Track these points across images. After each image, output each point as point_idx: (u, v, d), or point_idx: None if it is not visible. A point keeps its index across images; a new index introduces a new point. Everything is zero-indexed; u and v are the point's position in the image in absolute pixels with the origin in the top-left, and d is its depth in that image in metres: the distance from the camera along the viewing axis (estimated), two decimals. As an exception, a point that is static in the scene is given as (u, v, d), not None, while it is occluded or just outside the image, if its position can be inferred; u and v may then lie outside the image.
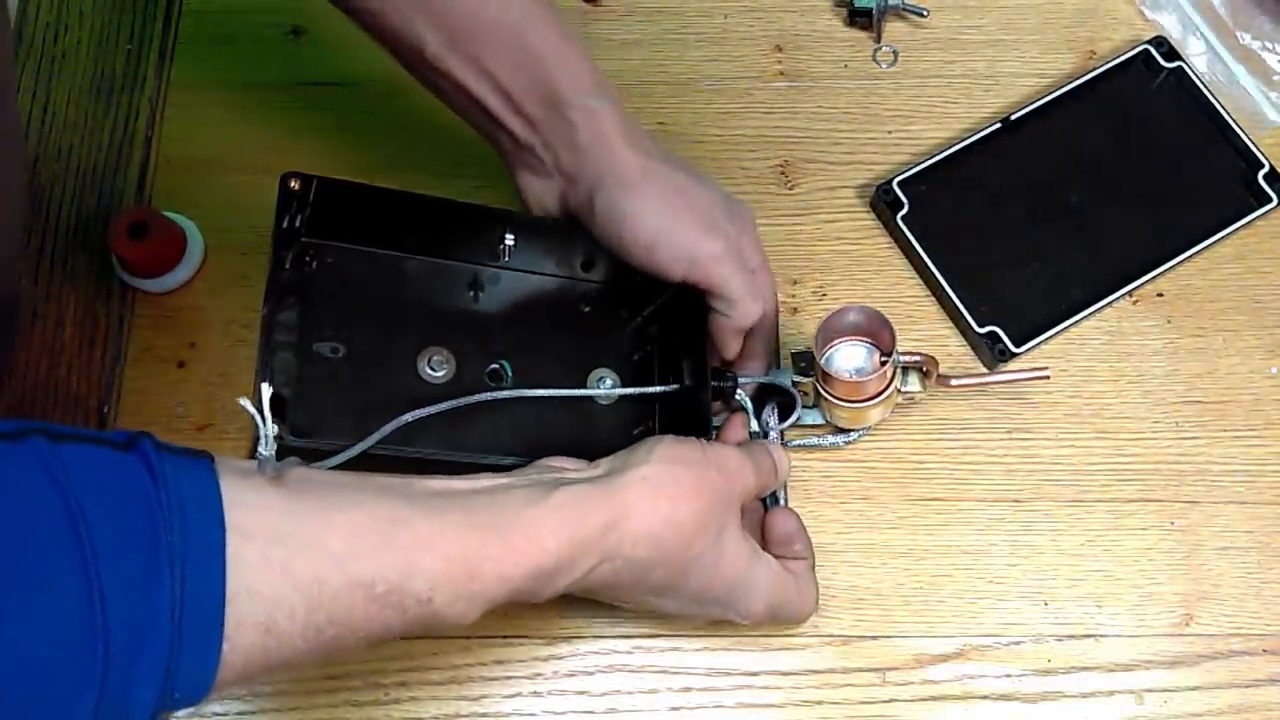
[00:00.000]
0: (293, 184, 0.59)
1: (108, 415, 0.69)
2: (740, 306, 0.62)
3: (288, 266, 0.59)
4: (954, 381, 0.65)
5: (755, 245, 0.64)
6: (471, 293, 0.65)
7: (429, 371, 0.62)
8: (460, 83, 0.60)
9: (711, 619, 0.59)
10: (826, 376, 0.63)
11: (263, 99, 0.77)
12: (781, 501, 0.64)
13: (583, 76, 0.60)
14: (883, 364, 0.62)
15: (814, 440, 0.68)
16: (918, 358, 0.64)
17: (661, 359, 0.67)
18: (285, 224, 0.59)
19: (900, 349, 0.63)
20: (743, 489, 0.56)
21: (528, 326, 0.65)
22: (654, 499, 0.51)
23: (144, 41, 0.78)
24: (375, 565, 0.45)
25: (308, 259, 0.61)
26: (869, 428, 0.67)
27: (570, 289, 0.67)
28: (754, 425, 0.65)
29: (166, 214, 0.71)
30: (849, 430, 0.68)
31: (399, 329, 0.62)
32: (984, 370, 0.70)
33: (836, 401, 0.64)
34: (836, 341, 0.64)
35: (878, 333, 0.63)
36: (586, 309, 0.67)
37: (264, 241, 0.72)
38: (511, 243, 0.64)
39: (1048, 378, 0.66)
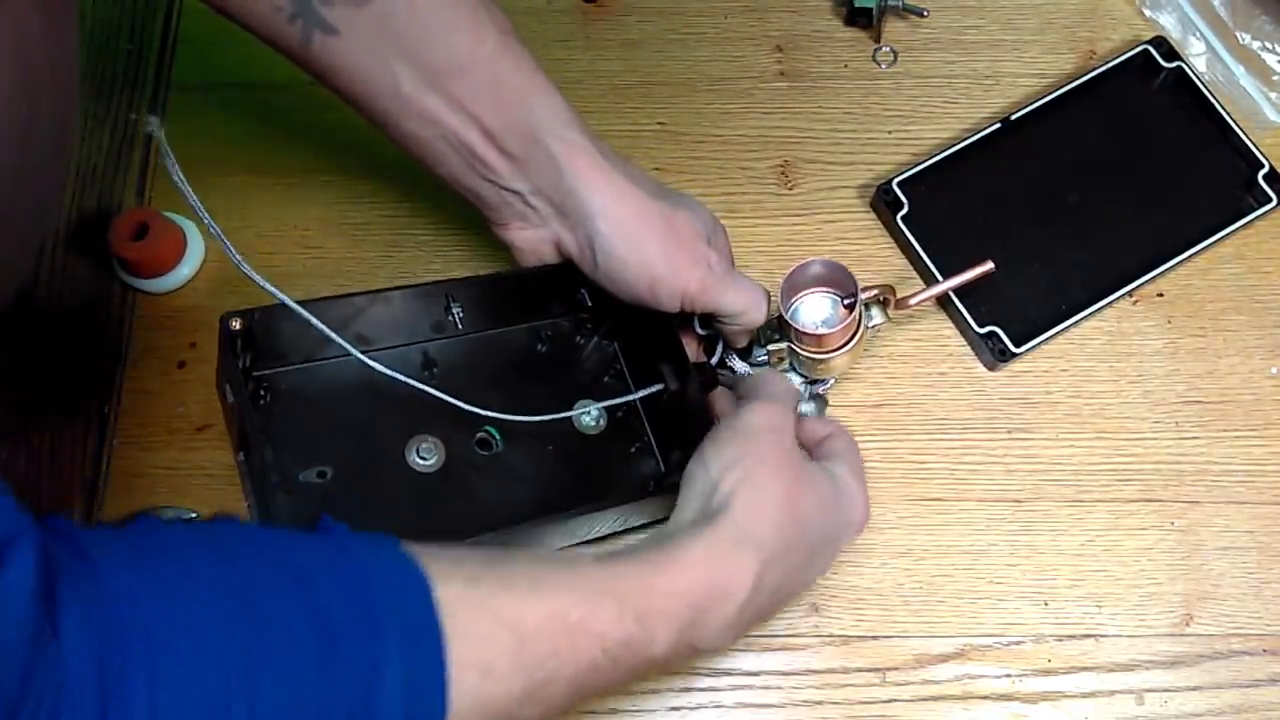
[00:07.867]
0: (234, 324, 0.56)
1: (108, 415, 0.69)
2: (749, 314, 0.62)
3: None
4: (912, 300, 0.65)
5: (725, 244, 0.64)
6: (428, 371, 0.63)
7: (419, 461, 0.61)
8: (441, 121, 0.58)
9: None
10: (799, 333, 0.63)
11: (263, 99, 0.77)
12: None
13: (558, 110, 0.60)
14: (848, 307, 0.63)
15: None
16: (876, 290, 0.64)
17: (631, 371, 0.67)
18: (241, 365, 0.56)
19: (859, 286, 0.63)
20: (788, 428, 0.57)
21: (495, 385, 0.64)
22: (754, 504, 0.53)
23: (144, 41, 0.78)
24: (565, 592, 0.47)
25: (261, 393, 0.59)
26: (838, 376, 0.68)
27: (520, 335, 0.66)
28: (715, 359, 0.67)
29: (166, 214, 0.71)
30: (821, 380, 0.68)
31: (376, 432, 0.61)
32: (939, 280, 0.69)
33: (811, 355, 0.64)
34: (798, 296, 0.64)
35: (839, 280, 0.63)
36: (543, 348, 0.67)
37: (265, 241, 0.73)
38: (460, 312, 0.63)
39: (994, 269, 0.65)
